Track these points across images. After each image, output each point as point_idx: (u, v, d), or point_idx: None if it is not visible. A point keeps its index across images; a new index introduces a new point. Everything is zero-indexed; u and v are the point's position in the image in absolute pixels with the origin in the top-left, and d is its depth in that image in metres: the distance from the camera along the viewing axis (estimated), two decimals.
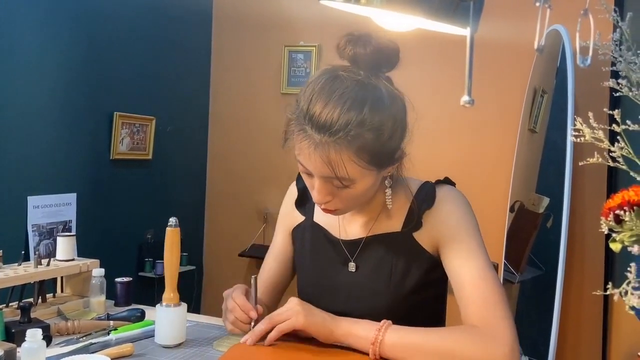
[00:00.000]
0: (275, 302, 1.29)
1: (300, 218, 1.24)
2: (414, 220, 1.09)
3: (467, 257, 1.03)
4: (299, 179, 1.24)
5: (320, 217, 1.20)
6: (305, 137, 0.96)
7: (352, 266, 1.13)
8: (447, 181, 1.15)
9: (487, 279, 1.00)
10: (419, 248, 1.08)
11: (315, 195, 1.02)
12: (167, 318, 1.08)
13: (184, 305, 1.10)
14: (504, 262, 2.41)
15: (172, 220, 1.08)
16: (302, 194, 1.23)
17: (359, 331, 1.00)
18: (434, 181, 1.14)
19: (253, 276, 1.11)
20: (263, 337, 1.03)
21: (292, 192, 1.28)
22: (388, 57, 1.01)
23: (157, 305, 1.09)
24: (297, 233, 1.25)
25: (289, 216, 1.28)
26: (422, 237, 1.09)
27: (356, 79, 0.97)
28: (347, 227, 1.16)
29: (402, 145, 1.03)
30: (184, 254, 2.90)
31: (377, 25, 0.97)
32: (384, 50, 0.99)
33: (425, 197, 1.09)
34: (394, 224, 1.11)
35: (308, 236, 1.21)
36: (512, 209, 2.46)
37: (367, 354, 0.99)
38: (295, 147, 1.00)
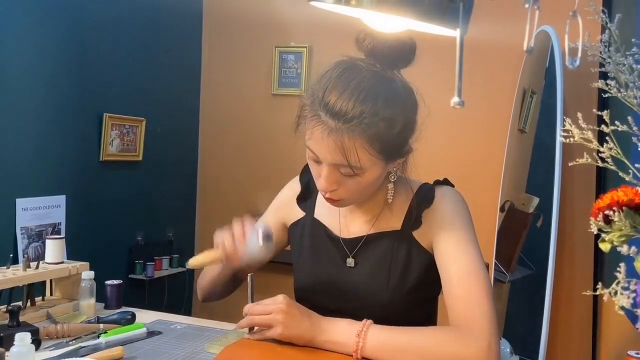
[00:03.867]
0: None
1: (300, 214, 1.24)
2: (412, 218, 1.10)
3: (457, 253, 1.04)
4: (303, 174, 1.24)
5: (321, 213, 1.20)
6: (319, 122, 0.97)
7: (350, 262, 1.13)
8: (446, 182, 1.17)
9: (474, 276, 1.01)
10: (418, 246, 1.09)
11: (321, 182, 1.02)
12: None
13: None
14: (495, 262, 2.42)
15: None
16: (305, 190, 1.23)
17: (339, 338, 1.00)
18: (432, 182, 1.16)
19: (249, 274, 1.10)
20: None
21: (295, 186, 1.26)
22: (404, 53, 1.03)
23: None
24: (296, 229, 1.24)
25: (287, 208, 1.27)
26: (421, 236, 1.09)
27: (373, 70, 0.99)
28: (349, 225, 1.16)
29: (411, 141, 1.06)
30: (175, 256, 2.89)
31: (367, 26, 0.97)
32: (401, 46, 1.01)
33: (424, 196, 1.11)
34: (394, 222, 1.12)
35: (307, 232, 1.21)
36: (502, 209, 2.47)
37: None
38: (307, 133, 1.01)
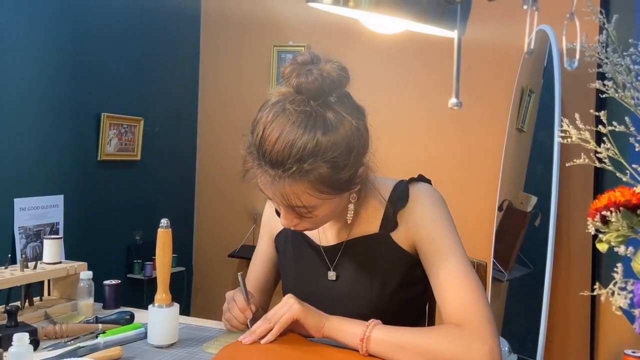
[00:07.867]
0: (265, 304, 1.29)
1: (281, 226, 1.24)
2: (389, 221, 1.10)
3: (443, 257, 1.03)
4: None
5: None
6: (263, 172, 0.97)
7: (332, 275, 1.14)
8: (421, 179, 1.16)
9: (464, 278, 1.01)
10: (398, 248, 1.09)
11: (282, 220, 1.05)
12: (160, 318, 1.08)
13: (176, 306, 1.11)
14: (493, 261, 2.43)
15: (164, 221, 1.09)
16: None
17: (348, 327, 1.02)
18: (407, 179, 1.14)
19: (239, 273, 1.13)
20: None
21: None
22: (332, 83, 0.97)
23: (149, 306, 1.09)
24: (280, 240, 1.26)
25: (271, 222, 1.29)
26: (400, 237, 1.09)
27: (304, 111, 0.95)
28: (327, 232, 1.17)
29: (364, 161, 1.03)
30: (174, 255, 2.88)
31: (365, 26, 0.97)
32: (327, 78, 0.96)
33: (398, 196, 1.10)
34: (372, 226, 1.12)
35: (290, 243, 1.22)
36: (500, 208, 2.47)
37: (356, 351, 1.00)
38: (257, 177, 1.01)
